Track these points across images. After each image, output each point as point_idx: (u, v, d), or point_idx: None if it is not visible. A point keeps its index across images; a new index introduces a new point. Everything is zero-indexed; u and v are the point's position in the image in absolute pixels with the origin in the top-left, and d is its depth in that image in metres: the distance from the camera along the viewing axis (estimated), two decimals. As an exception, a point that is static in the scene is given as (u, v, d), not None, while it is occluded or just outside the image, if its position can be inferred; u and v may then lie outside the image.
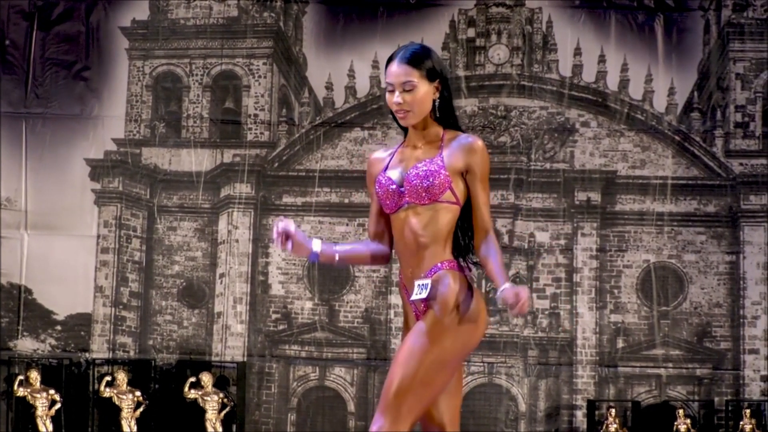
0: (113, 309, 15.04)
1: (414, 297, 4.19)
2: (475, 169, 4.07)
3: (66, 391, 13.58)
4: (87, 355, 14.64)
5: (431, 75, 4.12)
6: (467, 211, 4.17)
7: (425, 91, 4.10)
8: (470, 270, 4.31)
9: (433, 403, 4.08)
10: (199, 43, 15.59)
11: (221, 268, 15.18)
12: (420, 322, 4.09)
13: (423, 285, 4.14)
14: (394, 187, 4.13)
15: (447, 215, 4.12)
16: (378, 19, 15.25)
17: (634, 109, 15.08)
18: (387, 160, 4.29)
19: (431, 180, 4.06)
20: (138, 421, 13.47)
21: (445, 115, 4.14)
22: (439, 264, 4.20)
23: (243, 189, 15.16)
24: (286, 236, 4.17)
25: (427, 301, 4.14)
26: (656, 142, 15.06)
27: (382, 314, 15.02)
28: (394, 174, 4.14)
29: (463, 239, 4.33)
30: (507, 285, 4.13)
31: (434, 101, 4.10)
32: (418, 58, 4.08)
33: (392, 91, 4.15)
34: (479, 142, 4.10)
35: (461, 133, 4.18)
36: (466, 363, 14.91)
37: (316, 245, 4.23)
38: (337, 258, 4.32)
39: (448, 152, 4.09)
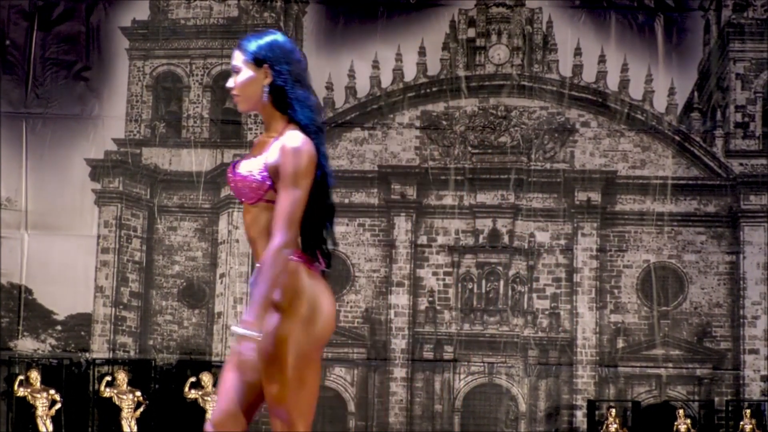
0: (113, 309, 15.04)
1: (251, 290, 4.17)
2: (280, 169, 3.95)
3: (66, 391, 13.58)
4: (87, 355, 14.65)
5: (257, 60, 4.04)
6: (315, 205, 4.02)
7: (249, 77, 4.02)
8: (319, 263, 4.12)
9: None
10: (199, 43, 15.60)
11: (221, 268, 15.18)
12: (266, 324, 4.02)
13: (254, 277, 4.13)
14: (231, 182, 4.10)
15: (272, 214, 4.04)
16: (378, 19, 15.26)
17: (634, 109, 15.09)
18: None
19: (251, 180, 4.00)
20: (138, 421, 13.47)
21: (282, 107, 4.07)
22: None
23: (243, 189, 15.15)
24: None
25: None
26: (656, 142, 15.07)
27: (382, 314, 15.02)
28: (237, 167, 4.09)
29: (310, 233, 4.15)
30: (233, 328, 4.03)
31: (263, 88, 4.00)
32: (248, 43, 4.02)
33: None
34: (291, 144, 3.93)
35: (292, 131, 4.04)
36: (466, 363, 14.92)
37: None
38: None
39: (272, 151, 4.02)
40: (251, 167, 4.07)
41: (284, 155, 3.99)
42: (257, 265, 4.11)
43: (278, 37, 4.14)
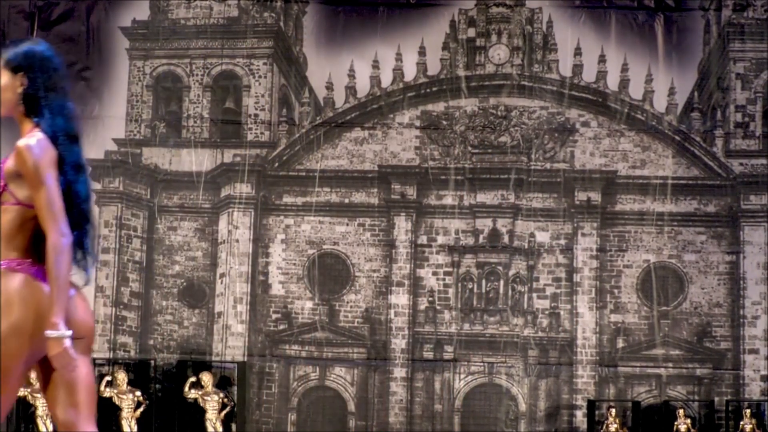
0: (114, 309, 15.05)
1: None
2: (21, 171, 3.99)
3: (66, 391, 13.56)
4: (87, 354, 14.65)
5: (13, 67, 4.10)
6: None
7: (4, 83, 4.08)
8: (35, 270, 4.09)
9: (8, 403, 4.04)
10: (199, 43, 15.60)
11: (221, 268, 15.19)
12: None
13: None
14: None
15: (6, 216, 4.02)
16: (378, 19, 15.26)
17: (634, 109, 15.09)
18: None
19: None
20: (138, 421, 13.48)
21: (33, 115, 4.08)
22: None
23: (243, 189, 15.17)
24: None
25: None
26: (656, 142, 15.07)
27: (382, 314, 15.03)
28: None
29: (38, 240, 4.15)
30: (49, 332, 3.97)
31: (17, 95, 4.04)
32: (6, 49, 4.07)
33: None
34: (23, 143, 3.97)
35: (30, 133, 4.05)
36: (466, 363, 14.92)
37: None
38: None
39: (12, 154, 4.05)
40: None
41: (17, 155, 4.05)
42: None
43: (37, 45, 4.20)
